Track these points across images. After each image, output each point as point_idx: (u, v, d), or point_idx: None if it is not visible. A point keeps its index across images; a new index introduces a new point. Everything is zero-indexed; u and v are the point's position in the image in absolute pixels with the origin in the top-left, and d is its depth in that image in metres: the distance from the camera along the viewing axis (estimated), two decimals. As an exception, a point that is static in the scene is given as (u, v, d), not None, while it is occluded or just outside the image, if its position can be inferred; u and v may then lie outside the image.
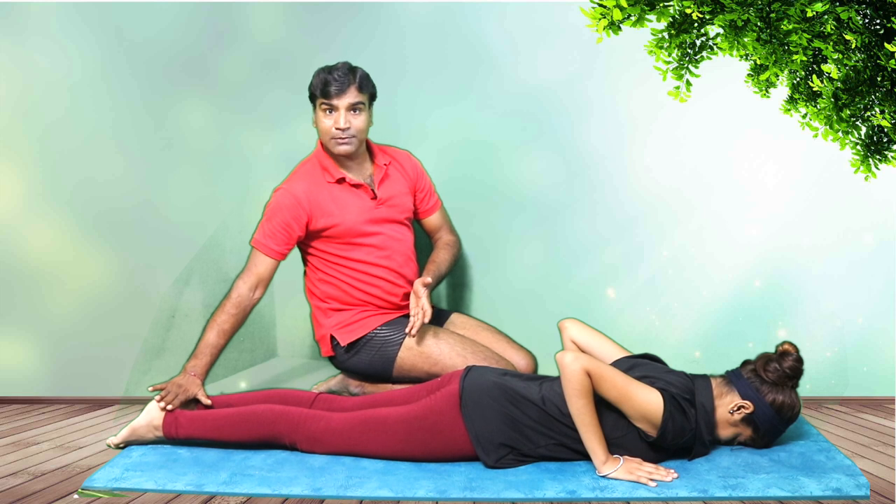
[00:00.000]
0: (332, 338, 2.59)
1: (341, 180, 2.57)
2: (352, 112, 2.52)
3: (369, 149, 2.67)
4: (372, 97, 2.58)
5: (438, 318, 2.70)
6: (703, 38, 1.85)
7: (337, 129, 2.51)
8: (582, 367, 1.97)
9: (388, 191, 2.63)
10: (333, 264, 2.59)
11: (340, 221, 2.54)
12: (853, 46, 1.71)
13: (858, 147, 1.84)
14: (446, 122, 2.89)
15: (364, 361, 2.56)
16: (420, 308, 2.49)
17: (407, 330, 2.50)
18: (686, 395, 2.03)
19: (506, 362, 2.55)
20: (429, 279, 2.54)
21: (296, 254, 2.93)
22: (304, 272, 2.70)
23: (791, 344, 2.12)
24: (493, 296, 2.95)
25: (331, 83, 2.49)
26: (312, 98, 2.57)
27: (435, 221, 2.78)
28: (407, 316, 2.58)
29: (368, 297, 2.59)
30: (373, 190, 2.60)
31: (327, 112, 2.52)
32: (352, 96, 2.51)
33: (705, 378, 2.13)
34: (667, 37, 1.81)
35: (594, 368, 1.98)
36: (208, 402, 2.32)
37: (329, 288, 2.61)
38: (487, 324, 2.73)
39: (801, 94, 1.87)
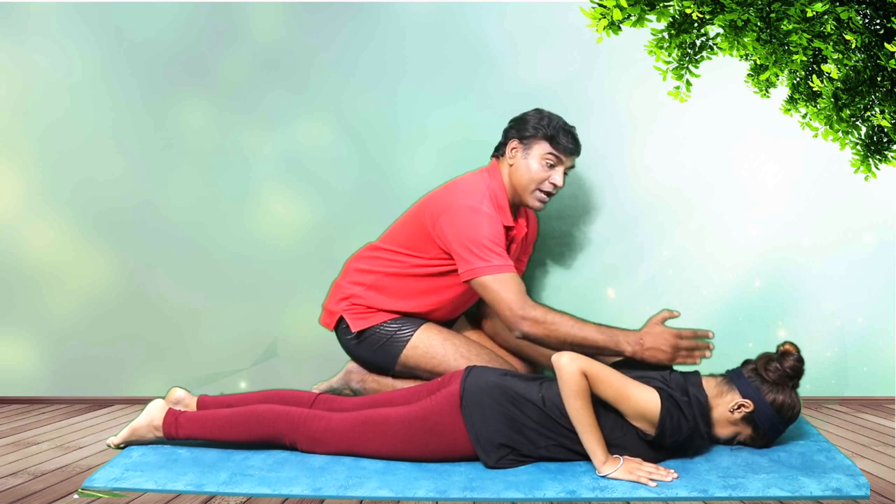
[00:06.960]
0: (342, 319, 2.57)
1: (508, 229, 2.52)
2: (564, 174, 2.53)
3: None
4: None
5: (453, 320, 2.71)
6: (703, 38, 1.85)
7: (552, 183, 2.50)
8: (578, 369, 1.97)
9: (512, 256, 2.56)
10: (421, 276, 2.50)
11: None
12: (853, 46, 1.71)
13: (858, 147, 1.84)
14: (446, 122, 2.89)
15: (368, 351, 2.54)
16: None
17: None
18: (682, 393, 2.04)
19: (510, 366, 2.55)
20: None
21: (302, 245, 2.91)
22: (376, 245, 2.59)
23: (792, 344, 2.12)
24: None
25: (566, 137, 2.48)
26: (528, 137, 2.50)
27: None
28: (414, 315, 2.55)
29: (407, 310, 2.53)
30: (507, 251, 2.51)
31: (548, 162, 2.49)
32: (572, 161, 2.54)
33: (695, 374, 2.13)
34: (667, 37, 1.81)
35: (590, 369, 1.98)
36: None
37: (392, 280, 2.51)
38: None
39: (801, 94, 1.87)
